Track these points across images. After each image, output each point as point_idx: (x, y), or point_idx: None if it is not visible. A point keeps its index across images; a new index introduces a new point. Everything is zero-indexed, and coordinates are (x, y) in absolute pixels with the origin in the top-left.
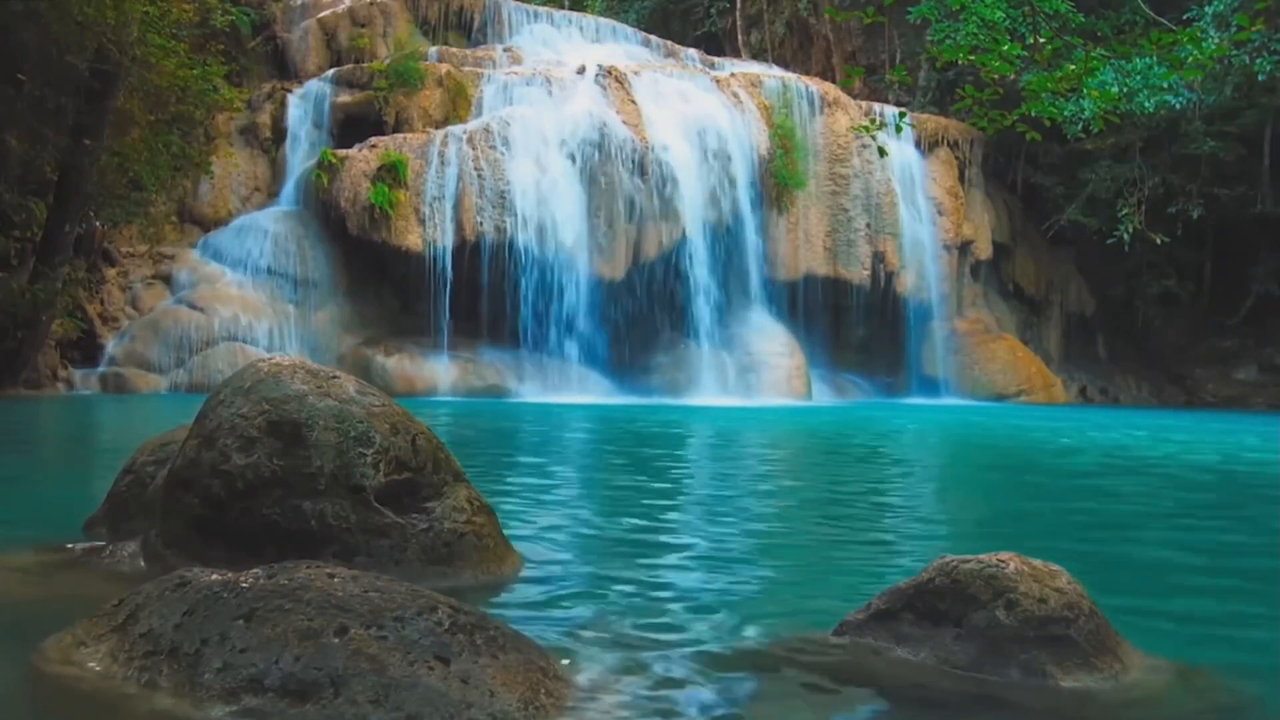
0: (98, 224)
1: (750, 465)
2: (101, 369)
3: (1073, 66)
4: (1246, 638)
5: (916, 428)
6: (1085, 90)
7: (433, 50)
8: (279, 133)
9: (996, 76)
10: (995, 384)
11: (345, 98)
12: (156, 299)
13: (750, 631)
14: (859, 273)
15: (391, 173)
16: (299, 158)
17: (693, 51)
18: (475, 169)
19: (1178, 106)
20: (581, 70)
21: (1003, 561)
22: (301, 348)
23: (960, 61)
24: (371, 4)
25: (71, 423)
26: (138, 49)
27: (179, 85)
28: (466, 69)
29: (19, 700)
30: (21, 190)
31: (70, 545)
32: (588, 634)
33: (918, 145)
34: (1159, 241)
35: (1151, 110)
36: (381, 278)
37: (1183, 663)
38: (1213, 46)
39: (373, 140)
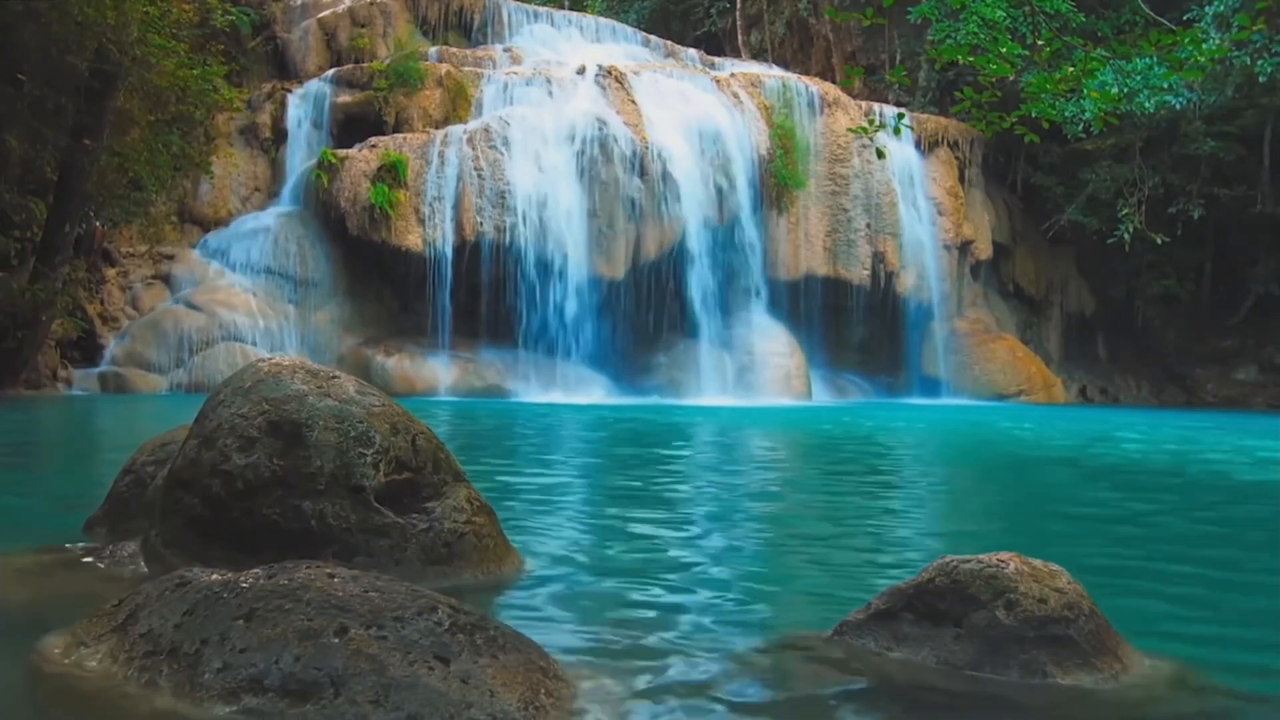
0: (98, 224)
1: (750, 465)
2: (101, 369)
3: (1072, 68)
4: (1246, 638)
5: (921, 429)
6: (1085, 91)
7: (433, 50)
8: (279, 133)
9: (995, 79)
10: (995, 384)
11: (345, 98)
12: (156, 299)
13: (750, 632)
14: (859, 273)
15: (391, 173)
16: (299, 158)
17: (693, 51)
18: (475, 169)
19: (1178, 107)
20: (581, 70)
21: (1003, 561)
22: (301, 348)
23: (960, 61)
24: (371, 4)
25: (71, 423)
26: (138, 49)
27: (179, 85)
28: (466, 69)
29: (19, 700)
30: (21, 190)
31: (70, 545)
32: (588, 634)
33: (918, 145)
34: (1159, 241)
35: (1151, 110)
36: (381, 278)
37: (1183, 663)
38: (1213, 47)
39: (373, 140)
